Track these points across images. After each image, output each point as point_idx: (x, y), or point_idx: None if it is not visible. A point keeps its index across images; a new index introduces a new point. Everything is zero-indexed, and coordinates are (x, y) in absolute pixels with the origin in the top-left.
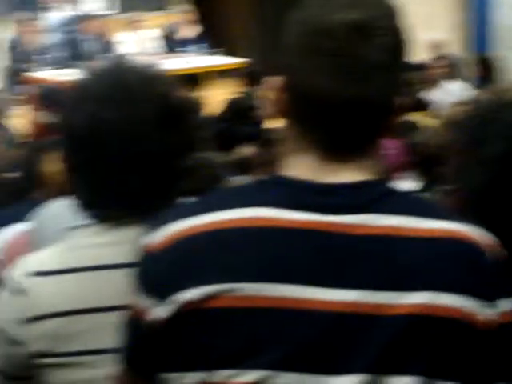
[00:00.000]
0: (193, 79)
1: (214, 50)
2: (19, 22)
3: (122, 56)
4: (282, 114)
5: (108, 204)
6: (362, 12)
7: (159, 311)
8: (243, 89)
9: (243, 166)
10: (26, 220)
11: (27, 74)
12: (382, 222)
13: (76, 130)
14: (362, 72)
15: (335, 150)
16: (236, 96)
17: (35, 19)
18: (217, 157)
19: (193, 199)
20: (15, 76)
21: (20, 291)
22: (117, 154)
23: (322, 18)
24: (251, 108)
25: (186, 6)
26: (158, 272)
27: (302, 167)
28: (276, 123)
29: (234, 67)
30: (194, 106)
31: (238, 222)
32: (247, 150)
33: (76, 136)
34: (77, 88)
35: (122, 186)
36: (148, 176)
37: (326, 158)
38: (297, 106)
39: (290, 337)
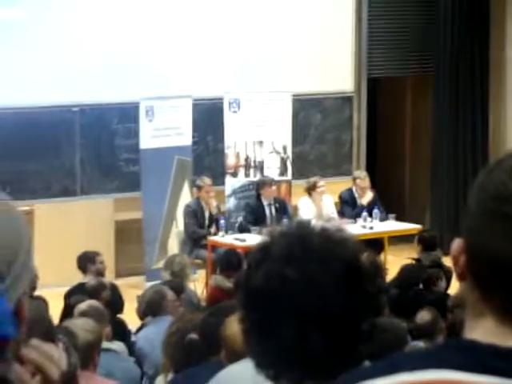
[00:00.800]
0: (375, 244)
1: (388, 215)
2: (199, 186)
3: (303, 220)
4: (462, 277)
5: (285, 365)
6: None
7: None
8: (417, 255)
9: (424, 332)
10: (207, 382)
11: (207, 238)
12: None
13: (254, 289)
14: None
15: None
16: (410, 262)
17: (213, 184)
18: (399, 322)
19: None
20: (195, 240)
21: None
22: (296, 314)
23: (505, 185)
24: (421, 275)
25: (361, 172)
26: None
27: (483, 331)
28: (459, 288)
29: (409, 233)
30: (378, 271)
31: None
32: (428, 316)
33: (254, 294)
34: (258, 248)
35: (300, 347)
36: (328, 338)
37: (507, 322)
38: (477, 269)
39: None
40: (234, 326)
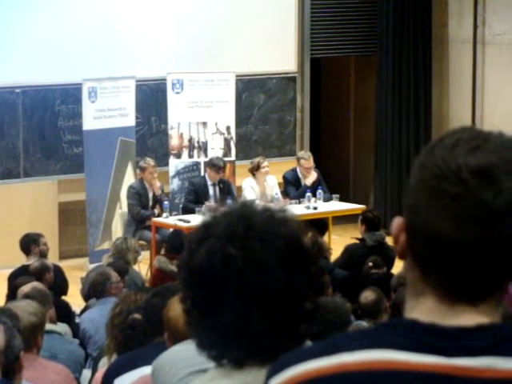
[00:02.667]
0: (319, 225)
1: (332, 196)
2: (142, 168)
3: (247, 200)
4: (402, 255)
5: (227, 345)
6: (488, 156)
7: None
8: (361, 234)
9: (369, 312)
10: (150, 363)
11: (151, 219)
12: (508, 366)
13: (196, 267)
14: (485, 217)
15: (456, 293)
16: (353, 242)
17: (156, 165)
18: (342, 302)
19: (316, 342)
20: (139, 221)
21: None
22: (238, 293)
23: (447, 162)
24: (366, 255)
25: (305, 152)
26: None
27: (423, 310)
28: (402, 267)
29: (353, 213)
30: (321, 251)
31: (364, 365)
32: (372, 296)
33: (196, 272)
34: (200, 227)
35: (242, 326)
36: (270, 317)
37: (447, 300)
38: (417, 247)
39: None
40: (176, 307)
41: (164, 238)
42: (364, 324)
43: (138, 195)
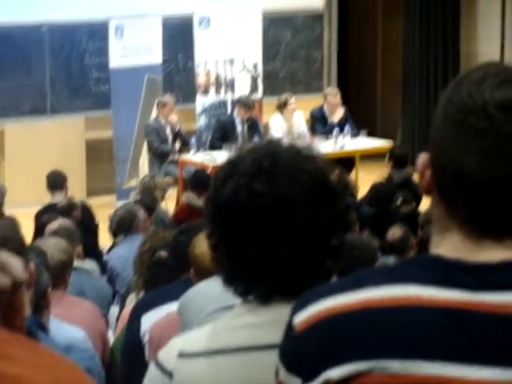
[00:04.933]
0: (346, 162)
1: (359, 132)
2: (163, 104)
3: (272, 138)
4: (428, 191)
5: (254, 281)
6: None
7: None
8: (389, 171)
9: (395, 248)
10: (177, 300)
11: (177, 156)
12: None
13: (222, 203)
14: (510, 151)
15: (482, 229)
16: (380, 180)
17: (182, 102)
18: (369, 239)
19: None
20: (161, 157)
21: (167, 372)
22: (264, 228)
23: (473, 97)
24: (393, 192)
25: (332, 89)
26: (302, 352)
27: (449, 246)
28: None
29: (380, 149)
30: (347, 188)
31: (388, 301)
32: (399, 232)
33: (222, 208)
34: (226, 163)
35: (268, 262)
36: (296, 253)
37: (473, 236)
38: (442, 183)
39: None
40: (202, 245)
41: (190, 174)
42: (391, 260)
43: (156, 131)
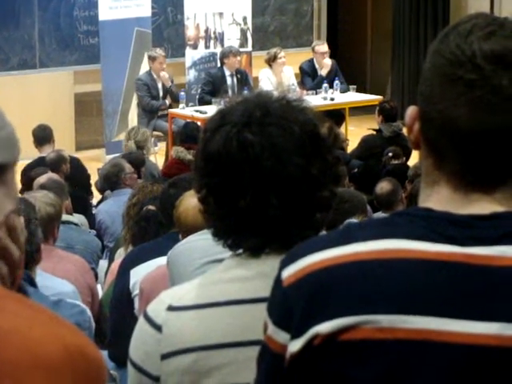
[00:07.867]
0: (336, 116)
1: (348, 87)
2: (153, 57)
3: (263, 90)
4: (416, 144)
5: (244, 233)
6: (503, 42)
7: (292, 345)
8: (378, 125)
9: (384, 202)
10: (166, 254)
11: (166, 112)
12: None
13: (212, 153)
14: (499, 103)
15: (471, 181)
16: (369, 133)
17: (172, 56)
18: (358, 192)
19: (332, 231)
20: (151, 112)
21: (156, 326)
22: (255, 179)
23: (462, 48)
24: (382, 146)
25: (321, 42)
26: (290, 307)
27: (437, 199)
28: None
29: (370, 103)
30: (337, 141)
31: (378, 254)
32: (388, 186)
33: (212, 159)
34: (216, 114)
35: (258, 213)
36: (288, 203)
37: (461, 189)
38: (431, 136)
39: (431, 370)
40: (185, 203)
41: (179, 127)
42: (380, 215)
43: (147, 86)
